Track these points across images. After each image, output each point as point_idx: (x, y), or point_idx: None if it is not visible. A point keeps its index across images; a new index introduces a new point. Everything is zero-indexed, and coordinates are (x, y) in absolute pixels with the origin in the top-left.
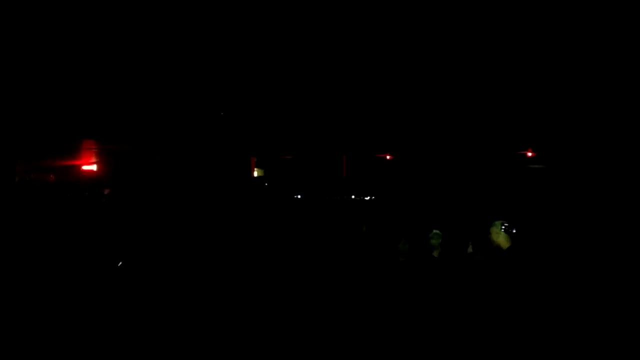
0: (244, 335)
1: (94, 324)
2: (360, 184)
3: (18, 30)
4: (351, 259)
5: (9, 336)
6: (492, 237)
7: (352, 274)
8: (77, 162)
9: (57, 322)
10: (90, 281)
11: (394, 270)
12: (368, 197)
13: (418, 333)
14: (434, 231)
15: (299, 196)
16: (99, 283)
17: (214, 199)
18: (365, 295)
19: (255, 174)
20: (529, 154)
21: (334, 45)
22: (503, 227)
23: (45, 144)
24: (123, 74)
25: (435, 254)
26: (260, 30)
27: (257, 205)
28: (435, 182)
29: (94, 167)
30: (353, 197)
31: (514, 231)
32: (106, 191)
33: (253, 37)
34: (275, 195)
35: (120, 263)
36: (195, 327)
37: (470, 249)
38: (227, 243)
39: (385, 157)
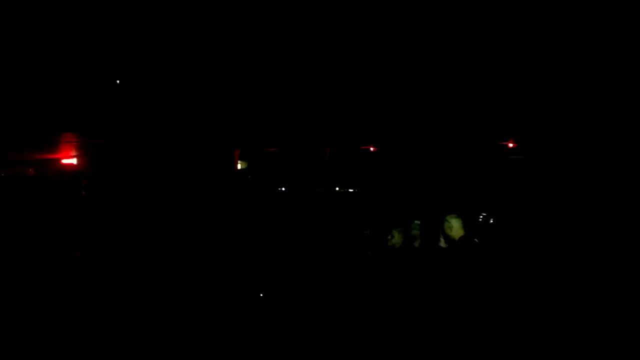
0: (226, 329)
1: (76, 321)
2: (344, 176)
3: None
4: (342, 254)
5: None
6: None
7: (342, 269)
8: (56, 156)
9: (43, 320)
10: (73, 276)
11: (386, 264)
12: (352, 190)
13: (416, 328)
14: (415, 222)
15: (283, 189)
16: (82, 278)
17: (197, 192)
18: (356, 289)
19: (239, 166)
20: (510, 145)
21: (317, 39)
22: (481, 217)
23: (24, 137)
24: (103, 68)
25: (416, 244)
26: (244, 23)
27: (241, 198)
28: (419, 173)
29: (74, 161)
30: (337, 189)
31: (491, 221)
32: (84, 182)
33: (236, 31)
34: (259, 188)
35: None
36: (176, 321)
37: (442, 243)
38: (211, 237)
39: (369, 149)
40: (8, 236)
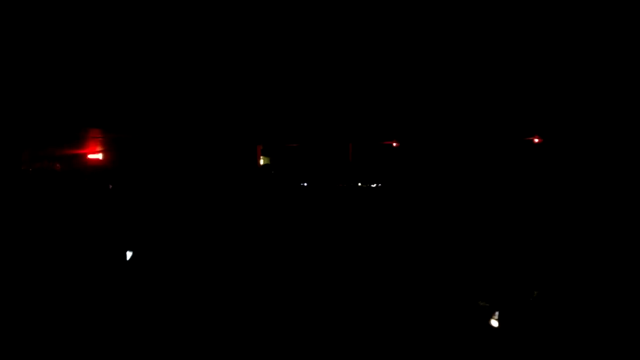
0: (248, 333)
1: (96, 322)
2: (366, 172)
3: (21, 17)
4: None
5: (9, 334)
6: None
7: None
8: (82, 151)
9: (60, 320)
10: (94, 275)
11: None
12: (375, 185)
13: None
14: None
15: (305, 184)
16: (103, 278)
17: (220, 187)
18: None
19: (262, 162)
20: (536, 141)
21: (340, 32)
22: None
23: (51, 133)
24: (128, 62)
25: None
26: (264, 17)
27: (264, 193)
28: (442, 168)
29: (99, 156)
30: (360, 184)
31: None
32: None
33: (257, 24)
34: (281, 183)
35: (130, 255)
36: (198, 323)
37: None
38: (234, 232)
39: (392, 144)
40: (36, 230)
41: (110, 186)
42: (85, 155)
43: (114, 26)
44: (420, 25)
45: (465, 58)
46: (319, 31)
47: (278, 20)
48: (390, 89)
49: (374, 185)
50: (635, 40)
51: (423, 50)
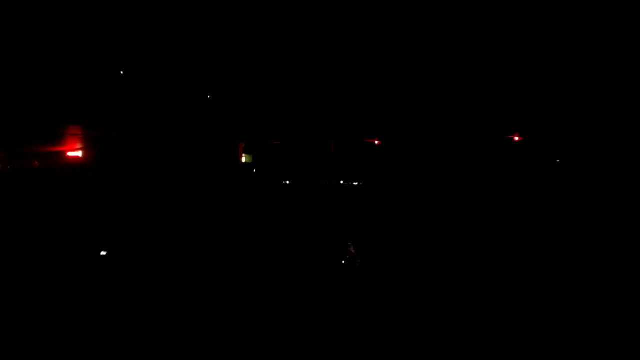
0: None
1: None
2: (349, 170)
3: None
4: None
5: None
6: None
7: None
8: (62, 149)
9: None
10: (76, 270)
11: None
12: (357, 183)
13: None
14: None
15: (288, 182)
16: (85, 272)
17: (201, 185)
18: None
19: (244, 159)
20: (516, 139)
21: (321, 30)
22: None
23: (30, 130)
24: (109, 60)
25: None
26: (246, 16)
27: (246, 191)
28: (425, 166)
29: (79, 154)
30: (342, 182)
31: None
32: (88, 175)
33: (240, 23)
34: (263, 181)
35: (104, 253)
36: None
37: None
38: (215, 230)
39: (374, 142)
40: (16, 229)
41: (89, 174)
42: (64, 152)
43: (95, 25)
44: (403, 28)
45: (446, 58)
46: (302, 30)
47: (260, 19)
48: (372, 88)
49: (356, 184)
50: (606, 42)
51: (405, 51)
